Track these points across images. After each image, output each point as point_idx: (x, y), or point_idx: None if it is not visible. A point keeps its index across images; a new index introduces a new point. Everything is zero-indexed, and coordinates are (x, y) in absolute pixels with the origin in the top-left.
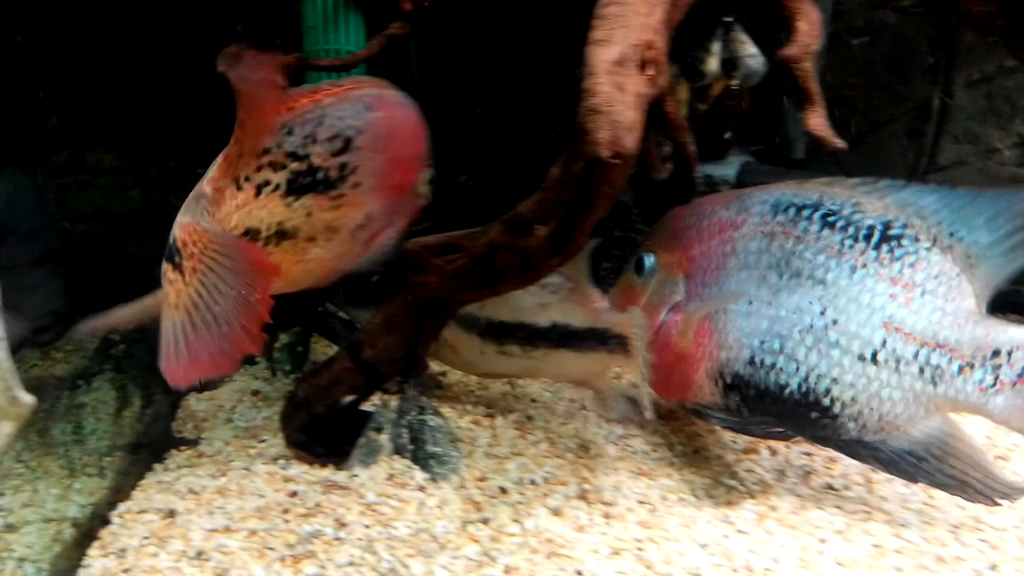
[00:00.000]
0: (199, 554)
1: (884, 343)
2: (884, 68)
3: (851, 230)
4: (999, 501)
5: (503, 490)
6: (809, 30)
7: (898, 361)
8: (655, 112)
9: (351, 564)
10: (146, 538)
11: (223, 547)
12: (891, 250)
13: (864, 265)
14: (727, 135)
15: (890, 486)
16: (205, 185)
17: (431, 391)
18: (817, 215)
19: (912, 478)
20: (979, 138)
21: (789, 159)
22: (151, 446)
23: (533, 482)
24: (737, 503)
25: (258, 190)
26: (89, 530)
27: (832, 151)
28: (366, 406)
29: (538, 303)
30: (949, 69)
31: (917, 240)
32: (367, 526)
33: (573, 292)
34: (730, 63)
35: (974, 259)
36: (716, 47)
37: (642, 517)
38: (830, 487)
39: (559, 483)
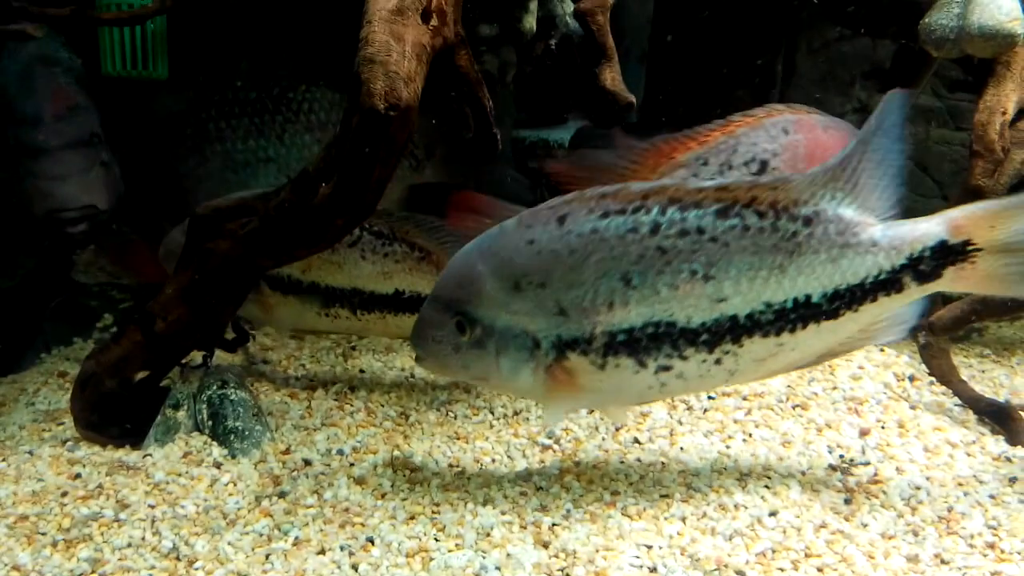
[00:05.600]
0: None
1: None
2: (729, 36)
3: None
4: None
5: (307, 462)
6: None
7: None
8: (447, 67)
9: (130, 546)
10: None
11: None
12: None
13: None
14: (566, 101)
15: (691, 438)
16: None
17: (256, 366)
18: None
19: None
20: (822, 104)
21: (623, 123)
22: None
23: (341, 452)
24: (548, 461)
25: None
26: None
27: (624, 106)
28: (168, 382)
29: (380, 271)
30: (792, 37)
31: None
32: (152, 506)
33: (424, 262)
34: (548, 22)
35: None
36: (533, 5)
37: (446, 480)
38: (636, 440)
39: (369, 452)
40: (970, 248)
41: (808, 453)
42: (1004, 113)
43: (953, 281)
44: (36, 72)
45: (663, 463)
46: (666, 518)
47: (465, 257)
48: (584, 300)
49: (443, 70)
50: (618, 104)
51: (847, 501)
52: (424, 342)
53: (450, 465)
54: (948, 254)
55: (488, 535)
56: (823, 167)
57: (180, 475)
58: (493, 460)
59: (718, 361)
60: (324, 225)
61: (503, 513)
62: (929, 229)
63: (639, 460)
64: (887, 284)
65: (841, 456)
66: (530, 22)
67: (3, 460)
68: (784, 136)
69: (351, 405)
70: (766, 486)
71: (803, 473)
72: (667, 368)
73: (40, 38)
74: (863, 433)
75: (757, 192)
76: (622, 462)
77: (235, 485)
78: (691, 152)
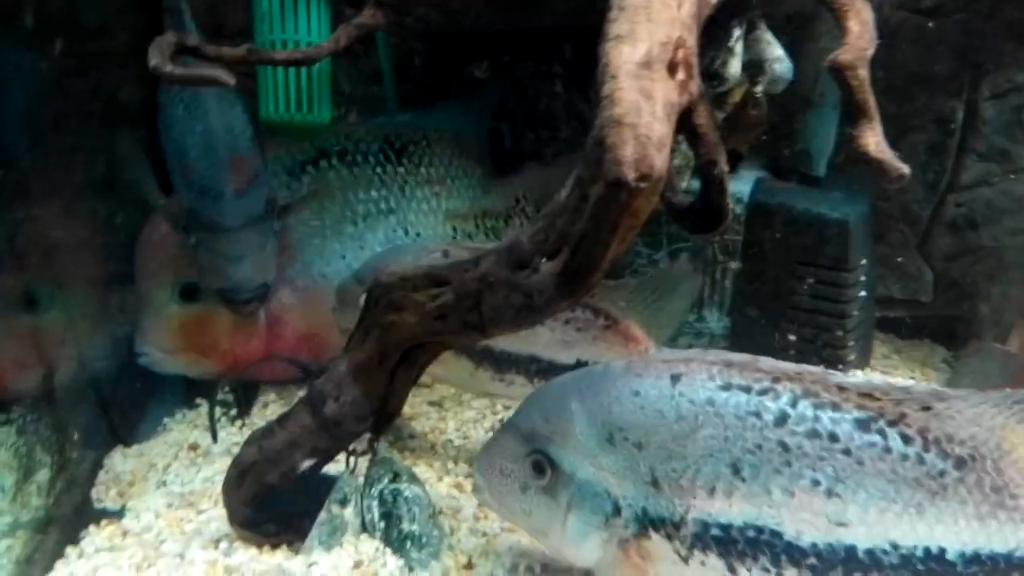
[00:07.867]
0: None
1: None
2: (903, 76)
3: None
4: None
5: None
6: (862, 31)
7: None
8: (684, 125)
9: None
10: None
11: None
12: None
13: None
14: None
15: None
16: None
17: (403, 441)
18: None
19: None
20: (1006, 155)
21: (807, 176)
22: (63, 521)
23: (531, 570)
24: None
25: None
26: None
27: (897, 178)
28: (327, 470)
29: (560, 339)
30: (975, 79)
31: None
32: None
33: (610, 331)
34: (754, 67)
35: None
36: (739, 48)
37: None
38: None
39: (563, 571)
40: None
41: None
42: None
43: None
44: (219, 142)
45: None
46: None
47: (560, 388)
48: (682, 476)
49: (680, 129)
50: (886, 175)
51: None
52: (489, 471)
53: None
54: None
55: None
56: (997, 406)
57: None
58: None
59: None
60: (539, 304)
61: None
62: None
63: None
64: None
65: None
66: (735, 66)
67: (151, 567)
68: None
69: None
70: None
71: None
72: None
73: (228, 89)
74: None
75: (908, 411)
76: None
77: None
78: None
